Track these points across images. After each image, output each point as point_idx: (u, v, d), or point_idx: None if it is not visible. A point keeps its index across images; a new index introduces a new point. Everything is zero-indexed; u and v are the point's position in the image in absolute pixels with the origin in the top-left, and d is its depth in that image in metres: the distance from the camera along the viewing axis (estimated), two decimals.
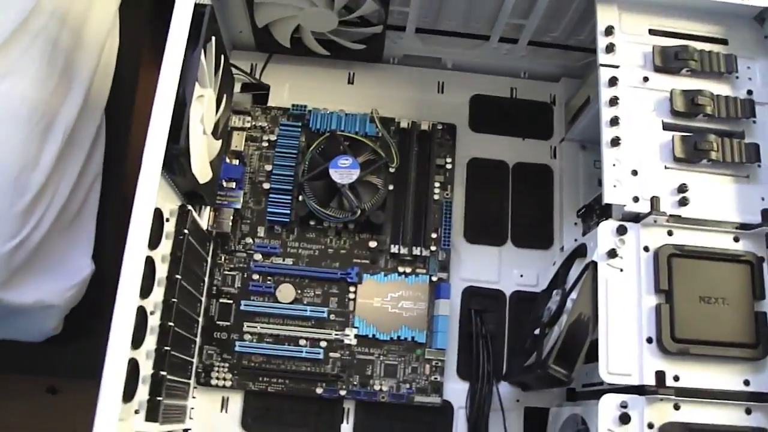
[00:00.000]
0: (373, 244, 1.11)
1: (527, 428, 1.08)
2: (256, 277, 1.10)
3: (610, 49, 0.95)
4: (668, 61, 0.96)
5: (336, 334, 1.07)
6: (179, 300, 0.91)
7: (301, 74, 1.21)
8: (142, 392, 0.84)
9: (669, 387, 0.84)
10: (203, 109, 0.95)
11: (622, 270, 0.88)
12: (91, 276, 1.13)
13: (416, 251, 1.11)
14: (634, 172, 0.91)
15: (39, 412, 1.29)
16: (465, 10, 1.13)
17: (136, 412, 0.83)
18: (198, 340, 1.06)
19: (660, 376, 0.84)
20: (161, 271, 0.88)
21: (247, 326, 1.07)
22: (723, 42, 0.99)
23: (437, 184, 1.15)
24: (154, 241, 0.84)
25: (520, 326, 1.11)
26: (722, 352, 0.86)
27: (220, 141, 1.05)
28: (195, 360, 1.05)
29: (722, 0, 0.97)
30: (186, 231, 0.92)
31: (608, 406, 0.84)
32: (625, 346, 0.86)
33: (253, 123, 1.16)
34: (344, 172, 1.08)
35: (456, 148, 1.18)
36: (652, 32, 0.98)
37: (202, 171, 0.96)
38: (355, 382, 1.06)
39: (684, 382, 0.85)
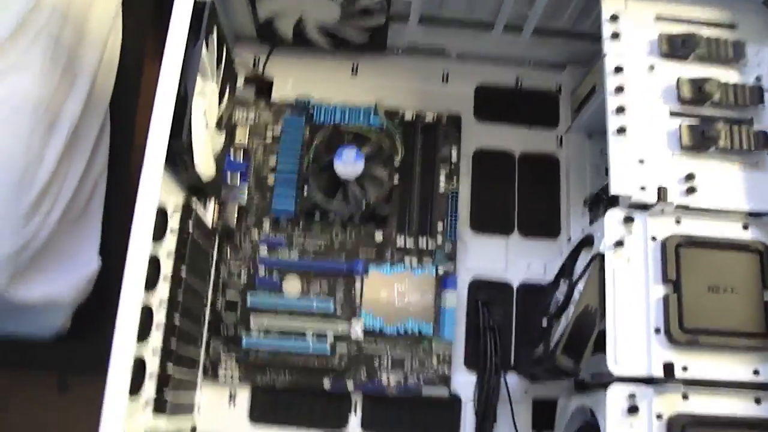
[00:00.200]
0: (378, 236, 1.11)
1: (535, 419, 1.08)
2: (262, 270, 1.09)
3: (615, 36, 0.94)
4: (675, 49, 0.94)
5: (343, 328, 1.07)
6: (184, 295, 0.91)
7: (304, 67, 1.21)
8: (149, 388, 0.84)
9: (677, 377, 0.83)
10: (206, 103, 0.95)
11: (629, 260, 0.88)
12: (98, 272, 1.13)
13: (422, 243, 1.11)
14: (641, 161, 0.90)
15: (50, 408, 1.30)
16: None
17: (144, 407, 0.83)
18: (204, 334, 1.06)
19: (668, 366, 0.83)
20: (166, 266, 0.88)
21: (254, 320, 1.07)
22: (731, 28, 0.98)
23: (442, 176, 1.14)
24: (158, 237, 0.84)
25: (527, 317, 1.10)
26: (731, 342, 0.85)
27: (224, 135, 1.05)
28: (202, 355, 1.05)
29: None
30: (190, 226, 0.92)
31: (616, 396, 0.83)
32: (633, 337, 0.85)
33: (257, 116, 1.15)
34: (349, 164, 1.07)
35: (461, 139, 1.17)
36: (658, 19, 0.97)
37: (205, 165, 0.96)
38: (362, 376, 1.06)
39: (693, 372, 0.84)
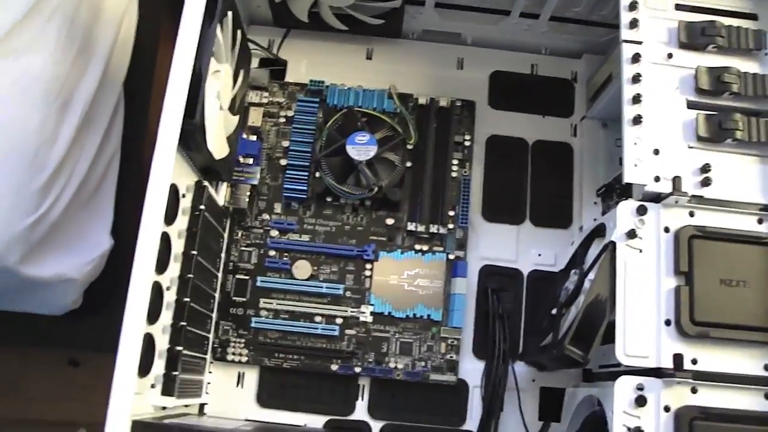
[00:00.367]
0: (390, 221, 1.11)
1: (542, 408, 1.08)
2: (272, 253, 1.10)
3: (633, 24, 0.93)
4: (694, 37, 0.93)
5: (352, 311, 1.07)
6: (195, 276, 0.91)
7: (319, 50, 1.20)
8: (158, 367, 0.84)
9: (687, 370, 0.83)
10: (220, 85, 0.95)
11: (641, 251, 0.87)
12: (109, 251, 1.14)
13: (433, 229, 1.10)
14: (656, 151, 0.89)
15: (61, 384, 1.31)
16: None
17: (153, 386, 0.83)
18: (214, 315, 1.06)
19: (678, 358, 0.83)
20: (177, 246, 0.88)
21: (264, 302, 1.07)
22: (752, 17, 0.96)
23: (455, 162, 1.14)
24: (169, 217, 0.84)
25: (537, 306, 1.10)
26: (742, 336, 0.84)
27: (237, 117, 1.05)
28: (211, 335, 1.05)
29: None
30: (202, 207, 0.92)
31: (624, 388, 0.83)
32: (642, 328, 0.84)
33: (271, 99, 1.15)
34: (361, 148, 1.07)
35: (475, 125, 1.16)
36: (678, 7, 0.95)
37: (218, 146, 0.96)
38: (370, 359, 1.06)
39: (702, 365, 0.83)
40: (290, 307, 1.07)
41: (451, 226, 1.11)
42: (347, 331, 1.07)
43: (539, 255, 1.13)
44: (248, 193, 1.09)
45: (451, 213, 1.11)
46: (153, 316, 0.81)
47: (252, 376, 1.08)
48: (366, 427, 1.06)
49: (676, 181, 0.88)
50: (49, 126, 0.99)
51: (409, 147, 1.12)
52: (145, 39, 1.27)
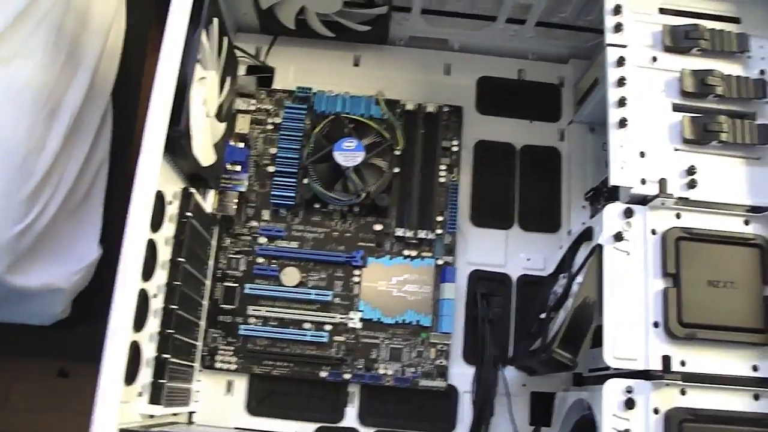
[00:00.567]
0: (378, 227, 1.11)
1: (533, 413, 1.07)
2: (260, 260, 1.09)
3: (618, 28, 0.94)
4: (678, 41, 0.94)
5: (341, 318, 1.07)
6: (182, 283, 0.90)
7: (306, 56, 1.20)
8: (145, 375, 0.84)
9: (675, 372, 0.83)
10: (206, 92, 0.95)
11: (628, 253, 0.87)
12: (98, 260, 1.14)
13: (422, 234, 1.10)
14: (642, 154, 0.89)
15: (51, 394, 1.30)
16: None
17: (140, 394, 0.83)
18: (203, 323, 1.06)
19: (666, 360, 0.83)
20: (164, 254, 0.88)
21: (252, 309, 1.07)
22: (735, 21, 0.97)
23: (443, 167, 1.14)
24: (156, 224, 0.84)
25: (526, 310, 1.09)
26: (730, 337, 0.84)
27: (224, 124, 1.05)
28: (200, 343, 1.05)
29: None
30: (189, 214, 0.92)
31: (613, 390, 0.83)
32: (630, 331, 0.84)
33: (258, 106, 1.15)
34: (349, 154, 1.07)
35: (463, 131, 1.16)
36: (662, 11, 0.96)
37: (205, 154, 0.96)
38: (359, 366, 1.06)
39: (691, 367, 0.83)
40: (279, 314, 1.07)
41: (439, 231, 1.11)
42: (336, 338, 1.07)
43: (528, 259, 1.13)
44: (236, 200, 1.09)
45: (440, 218, 1.11)
46: (139, 323, 0.80)
47: (241, 383, 1.07)
48: None
49: (662, 183, 0.88)
50: (36, 134, 0.99)
51: (397, 153, 1.13)
52: (133, 47, 1.27)
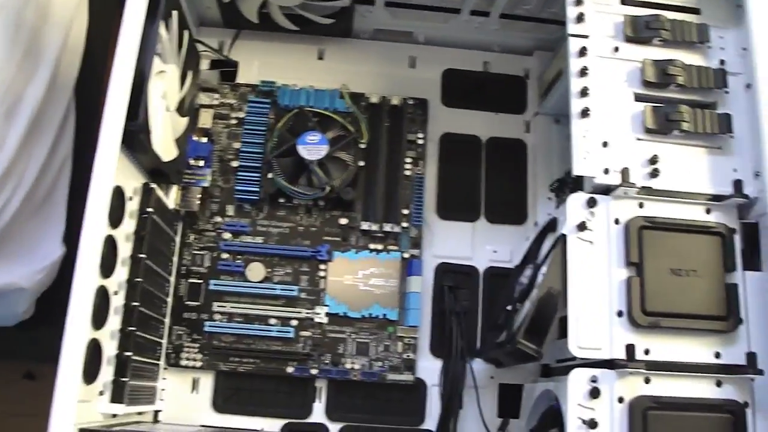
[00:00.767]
0: (343, 221, 1.10)
1: (501, 405, 1.08)
2: (225, 256, 1.08)
3: (579, 18, 0.94)
4: (639, 31, 0.94)
5: (307, 313, 1.06)
6: (145, 280, 0.89)
7: (270, 50, 1.19)
8: (107, 373, 0.83)
9: (639, 360, 0.83)
10: (165, 86, 0.93)
11: (592, 243, 0.87)
12: (62, 258, 1.12)
13: (387, 228, 1.10)
14: (605, 144, 0.89)
15: (18, 397, 1.28)
16: None
17: (101, 393, 0.82)
18: (167, 320, 1.04)
19: (630, 349, 0.83)
20: (125, 250, 0.86)
21: (217, 306, 1.06)
22: (695, 11, 0.97)
23: (409, 160, 1.13)
24: (115, 220, 0.83)
25: (493, 302, 1.09)
26: (693, 325, 0.85)
27: (186, 118, 1.04)
28: (164, 341, 1.04)
29: None
30: (150, 210, 0.91)
31: (578, 380, 0.83)
32: (595, 320, 0.84)
33: (221, 100, 1.14)
34: (312, 148, 1.06)
35: (428, 124, 1.16)
36: (623, 1, 0.96)
37: (165, 148, 0.94)
38: (326, 361, 1.05)
39: (654, 355, 0.83)
40: (244, 310, 1.06)
41: (405, 224, 1.11)
42: (302, 333, 1.06)
43: (495, 251, 1.13)
44: (199, 196, 1.07)
45: (405, 211, 1.11)
46: (99, 321, 0.79)
47: (207, 381, 1.06)
48: (324, 429, 1.05)
49: (624, 172, 0.88)
50: None
51: (362, 146, 1.12)
52: (96, 41, 1.25)
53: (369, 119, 1.14)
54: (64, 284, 1.12)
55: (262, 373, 1.05)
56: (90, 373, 0.77)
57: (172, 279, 1.06)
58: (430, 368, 1.08)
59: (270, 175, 1.08)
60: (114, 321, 0.84)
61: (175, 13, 0.94)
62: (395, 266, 1.09)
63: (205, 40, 1.16)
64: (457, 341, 1.07)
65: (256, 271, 1.07)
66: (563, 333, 0.86)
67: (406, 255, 1.10)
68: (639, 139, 0.91)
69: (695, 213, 0.89)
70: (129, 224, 0.87)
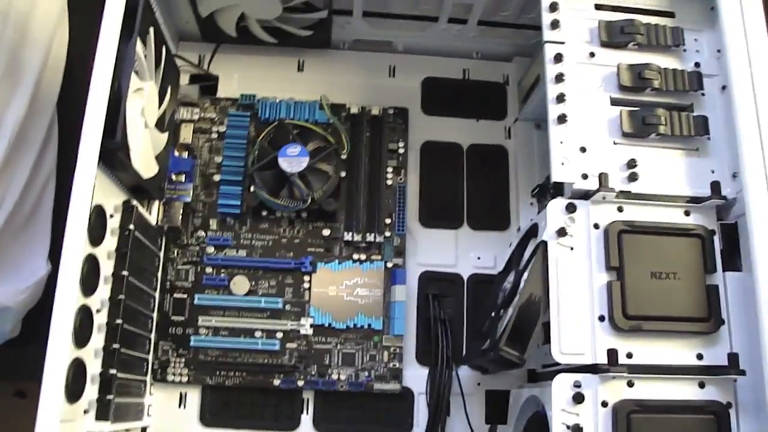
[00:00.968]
0: (326, 232, 1.10)
1: (489, 411, 1.08)
2: (209, 270, 1.08)
3: (555, 25, 0.94)
4: (614, 36, 0.95)
5: (292, 325, 1.06)
6: (128, 297, 0.89)
7: (249, 63, 1.19)
8: (91, 391, 0.82)
9: (622, 364, 0.83)
10: (144, 102, 0.93)
11: (572, 248, 0.88)
12: (46, 277, 1.11)
13: (370, 237, 1.10)
14: (583, 149, 0.90)
15: (8, 415, 1.27)
16: None
17: (86, 411, 0.81)
18: (152, 336, 1.04)
19: (612, 354, 0.83)
20: (107, 268, 0.86)
21: (202, 320, 1.06)
22: (669, 15, 0.98)
23: (390, 169, 1.14)
24: (96, 238, 0.82)
25: (478, 309, 1.10)
26: (675, 327, 0.85)
27: (166, 134, 1.03)
28: (150, 356, 1.04)
29: None
30: (131, 227, 0.90)
31: (562, 386, 0.83)
32: (577, 326, 0.85)
33: (202, 114, 1.14)
34: (293, 160, 1.06)
35: (409, 132, 1.17)
36: (597, 7, 0.97)
37: (145, 165, 0.94)
38: (313, 372, 1.05)
39: (637, 359, 0.84)
40: (230, 323, 1.06)
41: (388, 234, 1.11)
42: (288, 345, 1.06)
43: (478, 258, 1.13)
44: (182, 211, 1.07)
45: (388, 221, 1.11)
46: (81, 339, 0.79)
47: (194, 395, 1.06)
48: None
49: (602, 177, 0.88)
50: None
51: (343, 157, 1.12)
52: (77, 59, 1.25)
53: (349, 130, 1.14)
54: (50, 302, 1.12)
55: (249, 386, 1.05)
56: (73, 392, 0.77)
57: (157, 295, 1.06)
58: (416, 377, 1.08)
59: (252, 189, 1.08)
60: (97, 339, 0.84)
61: (152, 29, 0.94)
62: (379, 276, 1.09)
63: (185, 54, 1.16)
64: (443, 349, 1.07)
65: (240, 284, 1.07)
66: (548, 338, 0.87)
67: (389, 264, 1.10)
68: (616, 144, 0.91)
69: (674, 215, 0.90)
70: (111, 242, 0.87)
